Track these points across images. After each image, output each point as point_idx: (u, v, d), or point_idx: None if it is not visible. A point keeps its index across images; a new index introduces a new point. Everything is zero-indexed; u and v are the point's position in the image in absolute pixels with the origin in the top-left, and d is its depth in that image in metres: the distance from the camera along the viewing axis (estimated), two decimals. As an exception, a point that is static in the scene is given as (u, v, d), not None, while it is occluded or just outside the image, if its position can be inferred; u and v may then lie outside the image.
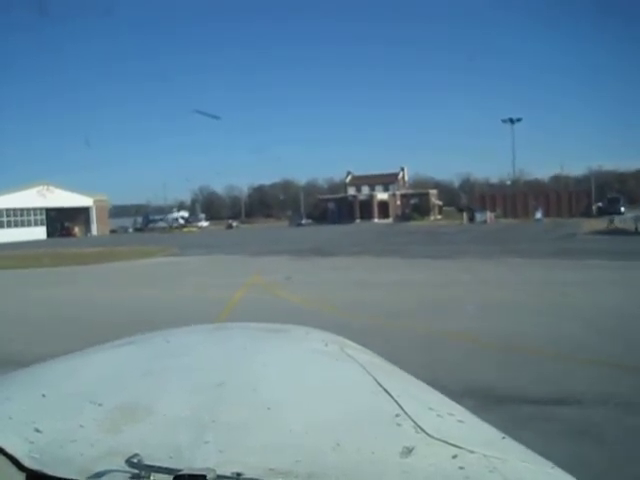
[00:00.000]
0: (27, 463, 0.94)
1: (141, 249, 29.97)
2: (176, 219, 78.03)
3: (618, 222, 36.62)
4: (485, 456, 0.97)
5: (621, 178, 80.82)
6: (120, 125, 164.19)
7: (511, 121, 62.98)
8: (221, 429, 1.06)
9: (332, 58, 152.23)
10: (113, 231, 73.52)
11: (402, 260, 19.60)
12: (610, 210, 53.18)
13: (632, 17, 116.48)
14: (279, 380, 1.35)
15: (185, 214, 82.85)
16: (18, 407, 1.17)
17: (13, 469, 0.93)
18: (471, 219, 55.47)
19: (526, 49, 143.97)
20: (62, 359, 1.61)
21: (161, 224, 76.52)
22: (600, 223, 39.62)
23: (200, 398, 1.21)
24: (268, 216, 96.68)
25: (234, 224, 76.11)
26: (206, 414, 1.11)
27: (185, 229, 72.06)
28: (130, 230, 77.48)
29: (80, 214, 69.38)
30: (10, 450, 0.96)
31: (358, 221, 72.77)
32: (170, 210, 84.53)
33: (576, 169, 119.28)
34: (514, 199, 62.37)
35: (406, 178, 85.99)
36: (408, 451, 0.97)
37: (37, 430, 1.05)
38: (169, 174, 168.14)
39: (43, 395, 1.23)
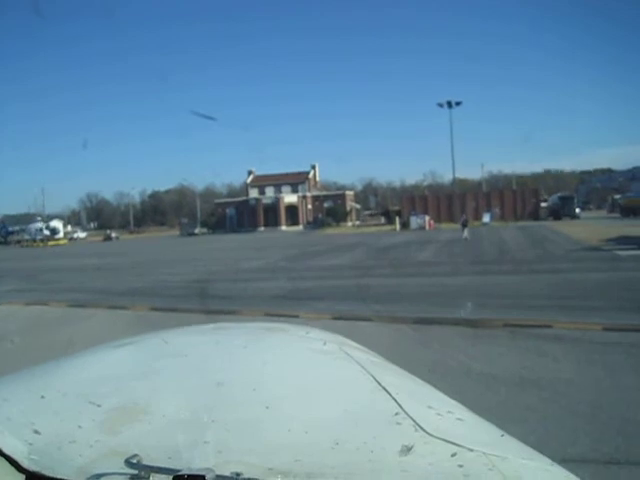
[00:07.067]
0: (26, 464, 0.94)
1: None
2: (40, 230, 63.97)
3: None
4: (484, 454, 0.96)
5: (520, 181, 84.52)
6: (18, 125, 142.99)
7: (449, 105, 53.01)
8: (220, 429, 1.05)
9: (231, 55, 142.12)
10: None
11: (420, 335, 7.48)
12: (564, 211, 46.15)
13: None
14: (278, 379, 1.32)
15: (57, 224, 69.04)
16: (17, 408, 1.16)
17: (12, 470, 0.93)
18: (404, 225, 46.12)
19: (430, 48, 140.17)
20: (61, 360, 1.56)
21: (25, 236, 63.36)
22: (580, 227, 31.22)
23: (199, 398, 1.19)
24: (162, 224, 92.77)
25: (113, 235, 64.87)
26: (205, 414, 1.10)
27: (52, 242, 58.75)
28: (-12, 243, 64.83)
29: None
30: (9, 451, 0.95)
31: (262, 229, 62.26)
32: (33, 219, 69.75)
33: (474, 172, 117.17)
34: (450, 201, 53.96)
35: (317, 178, 75.61)
36: (407, 449, 0.96)
37: (36, 431, 1.04)
38: (64, 180, 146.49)
39: (42, 396, 1.21)
